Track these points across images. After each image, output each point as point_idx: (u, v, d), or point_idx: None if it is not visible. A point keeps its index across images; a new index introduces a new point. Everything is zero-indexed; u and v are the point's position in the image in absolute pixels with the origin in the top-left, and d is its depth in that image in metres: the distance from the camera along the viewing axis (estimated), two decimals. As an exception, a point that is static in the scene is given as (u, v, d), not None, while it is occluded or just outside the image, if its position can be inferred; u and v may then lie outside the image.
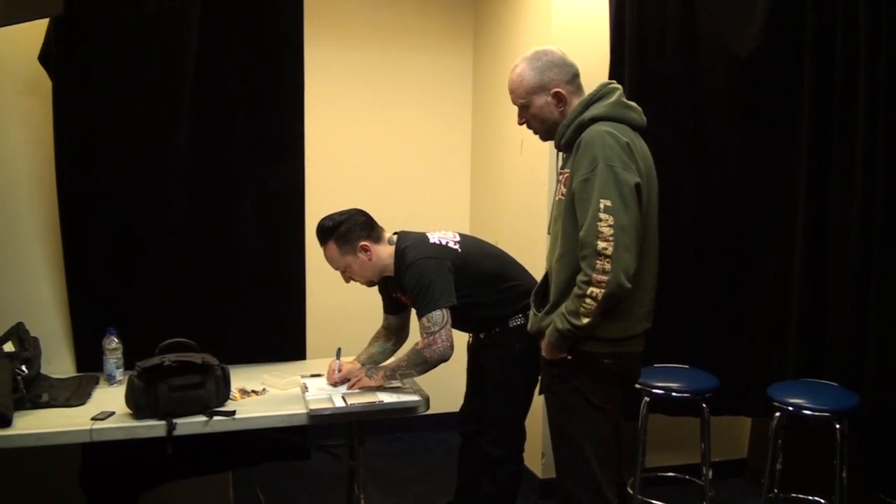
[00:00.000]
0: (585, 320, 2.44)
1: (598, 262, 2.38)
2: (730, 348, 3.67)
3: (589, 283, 2.41)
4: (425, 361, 3.04)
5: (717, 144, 3.64)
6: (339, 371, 3.24)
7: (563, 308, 2.52)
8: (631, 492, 3.48)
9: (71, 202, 3.27)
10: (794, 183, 3.42)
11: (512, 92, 2.70)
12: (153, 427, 2.73)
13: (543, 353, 2.66)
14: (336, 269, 3.24)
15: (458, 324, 3.17)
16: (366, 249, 3.16)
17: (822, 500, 3.46)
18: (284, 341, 3.67)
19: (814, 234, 3.34)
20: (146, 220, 3.37)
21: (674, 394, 3.34)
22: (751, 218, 3.59)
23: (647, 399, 3.39)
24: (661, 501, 3.56)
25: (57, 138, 3.22)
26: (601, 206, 2.39)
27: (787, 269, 3.46)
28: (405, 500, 4.23)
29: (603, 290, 2.39)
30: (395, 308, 3.42)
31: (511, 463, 3.29)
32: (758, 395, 3.37)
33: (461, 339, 3.36)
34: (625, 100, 2.63)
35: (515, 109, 2.76)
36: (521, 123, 2.76)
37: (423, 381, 3.23)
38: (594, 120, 2.53)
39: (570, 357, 2.57)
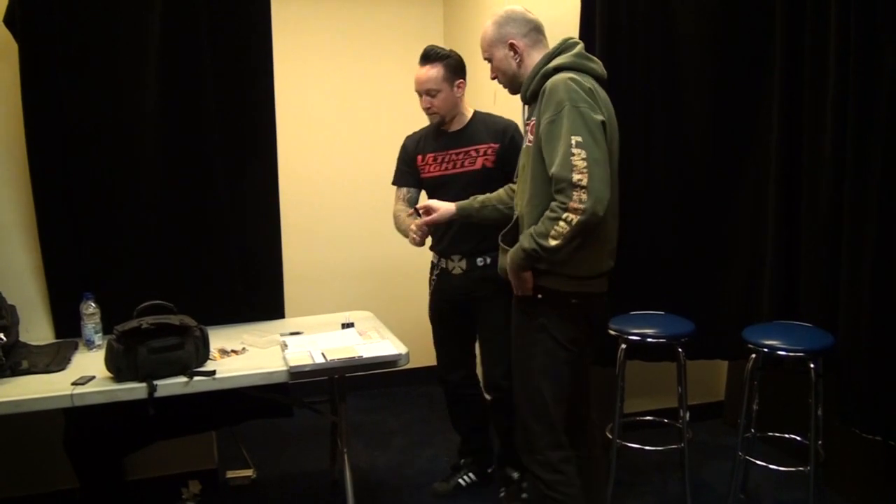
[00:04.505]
0: (553, 242, 2.48)
1: (574, 192, 2.42)
2: (705, 293, 3.70)
3: (565, 209, 2.44)
4: None
5: (689, 89, 3.62)
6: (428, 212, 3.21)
7: (531, 229, 2.56)
8: (610, 436, 3.53)
9: (42, 167, 3.24)
10: (767, 127, 3.43)
11: (481, 48, 2.86)
12: (134, 389, 2.73)
13: (507, 272, 2.70)
14: (425, 89, 3.38)
15: (466, 239, 3.29)
16: (461, 87, 3.40)
17: (798, 438, 3.53)
18: (263, 300, 3.67)
19: (787, 177, 3.35)
20: (119, 185, 3.34)
21: (650, 339, 3.37)
22: (724, 162, 3.60)
23: (624, 346, 3.42)
24: (641, 445, 3.61)
25: (26, 102, 3.17)
26: (573, 141, 2.44)
27: (761, 212, 3.48)
28: (388, 451, 4.28)
29: (578, 217, 2.43)
30: (417, 181, 3.55)
31: None
32: (733, 338, 3.40)
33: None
34: (585, 52, 2.73)
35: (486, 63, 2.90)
36: (493, 78, 2.90)
37: (401, 335, 3.25)
38: (558, 69, 2.64)
39: (539, 296, 2.65)
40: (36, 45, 3.15)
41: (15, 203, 3.34)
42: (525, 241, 2.57)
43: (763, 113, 3.45)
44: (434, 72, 3.35)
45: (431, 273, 3.58)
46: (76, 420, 3.30)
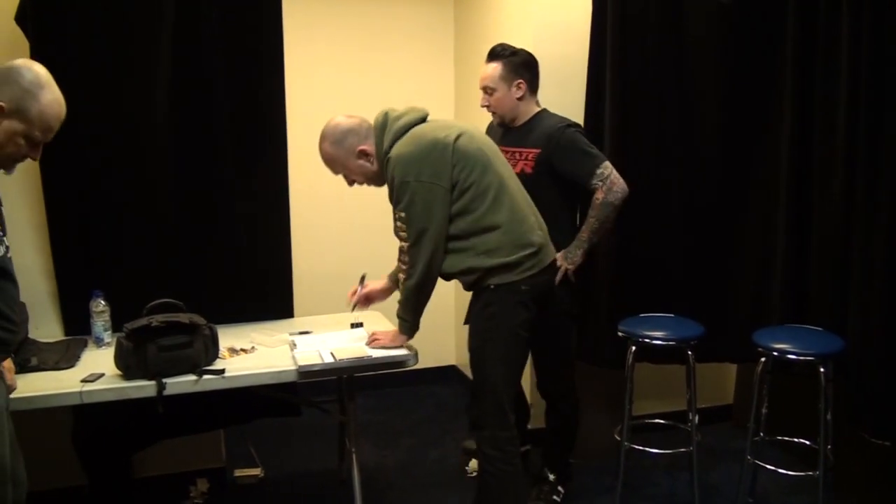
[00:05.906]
0: (401, 298, 2.99)
1: (402, 256, 2.90)
2: (714, 296, 3.69)
3: (400, 269, 2.96)
4: (612, 205, 3.24)
5: (701, 93, 3.61)
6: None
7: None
8: (618, 439, 3.52)
9: (53, 165, 3.22)
10: (777, 129, 3.42)
11: (330, 167, 3.05)
12: (143, 387, 2.74)
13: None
14: (483, 86, 3.43)
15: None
16: (520, 87, 3.37)
17: (807, 442, 3.51)
18: (272, 299, 3.66)
19: (798, 180, 3.35)
20: (129, 182, 3.34)
21: (660, 342, 3.37)
22: (735, 166, 3.59)
23: (633, 348, 3.41)
24: (649, 448, 3.60)
25: (36, 101, 3.17)
26: (401, 215, 2.84)
27: (772, 215, 3.47)
28: (397, 451, 4.28)
29: (402, 276, 2.94)
30: None
31: (572, 397, 3.59)
32: (743, 341, 3.40)
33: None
34: (394, 116, 2.97)
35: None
36: (350, 185, 3.13)
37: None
38: (389, 149, 2.88)
39: (492, 286, 2.84)
40: (47, 43, 3.15)
41: (25, 201, 3.34)
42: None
43: (774, 115, 3.44)
44: (492, 69, 3.36)
45: None
46: (85, 417, 3.30)
